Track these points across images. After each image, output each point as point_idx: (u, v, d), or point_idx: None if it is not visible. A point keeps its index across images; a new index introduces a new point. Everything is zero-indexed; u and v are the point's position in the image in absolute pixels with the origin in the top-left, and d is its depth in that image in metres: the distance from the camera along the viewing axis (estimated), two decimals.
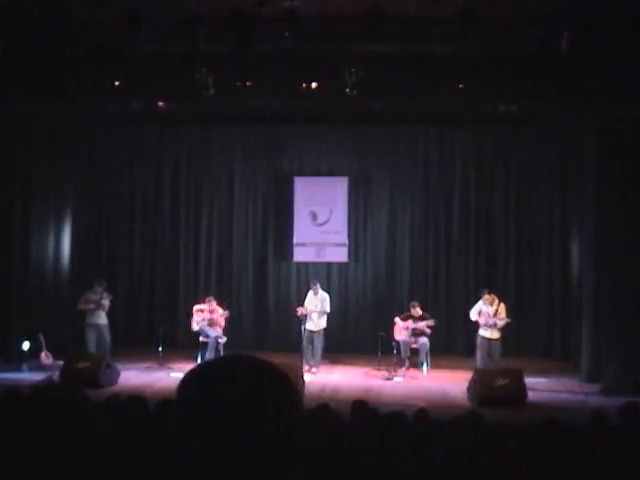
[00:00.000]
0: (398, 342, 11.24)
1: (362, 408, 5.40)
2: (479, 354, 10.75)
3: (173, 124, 13.19)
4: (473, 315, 10.83)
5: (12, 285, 11.68)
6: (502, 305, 10.76)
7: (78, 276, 12.93)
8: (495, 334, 10.66)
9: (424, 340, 11.20)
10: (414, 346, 11.27)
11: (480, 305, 10.81)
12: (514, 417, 7.02)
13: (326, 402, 5.45)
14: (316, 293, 11.55)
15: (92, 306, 11.21)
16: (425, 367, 11.18)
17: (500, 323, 10.62)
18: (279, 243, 13.68)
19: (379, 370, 11.04)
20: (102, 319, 11.29)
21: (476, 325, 10.84)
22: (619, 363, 9.97)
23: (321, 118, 12.60)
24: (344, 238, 13.39)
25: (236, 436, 1.13)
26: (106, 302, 11.30)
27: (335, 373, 11.23)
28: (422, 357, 11.21)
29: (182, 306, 13.12)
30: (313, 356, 11.29)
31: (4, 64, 9.81)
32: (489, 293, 10.85)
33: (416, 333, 11.25)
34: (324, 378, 10.70)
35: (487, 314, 10.66)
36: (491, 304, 10.70)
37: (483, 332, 10.71)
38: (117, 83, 9.75)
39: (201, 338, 11.46)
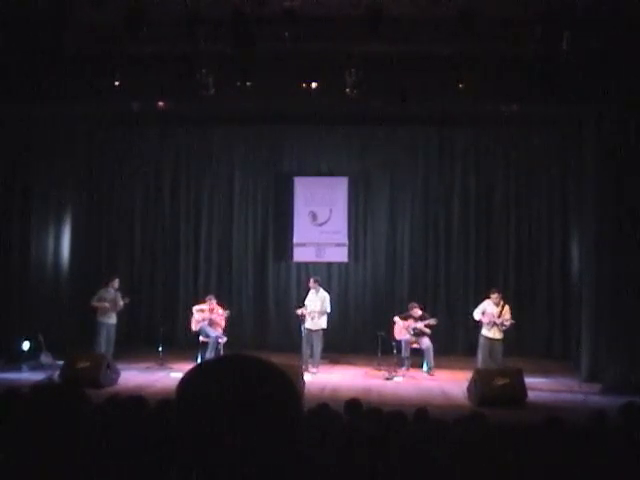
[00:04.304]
0: (399, 342, 11.23)
1: (356, 407, 5.41)
2: (480, 354, 10.74)
3: (173, 124, 13.20)
4: (477, 315, 10.82)
5: (12, 285, 11.68)
6: (507, 307, 10.77)
7: (78, 276, 12.93)
8: (498, 334, 10.66)
9: (428, 343, 11.16)
10: (415, 346, 11.26)
11: (485, 305, 10.80)
12: (514, 417, 7.01)
13: (326, 402, 5.45)
14: (317, 292, 11.55)
15: (107, 305, 11.23)
16: (427, 368, 11.16)
17: (507, 324, 10.63)
18: (279, 243, 13.68)
19: (379, 370, 11.04)
20: (113, 319, 11.34)
21: (478, 325, 10.84)
22: (619, 363, 9.97)
23: (321, 118, 12.60)
24: (344, 238, 13.39)
25: (236, 436, 1.13)
26: (121, 303, 11.34)
27: (335, 373, 11.23)
28: (430, 361, 11.14)
29: (182, 306, 13.12)
30: (312, 356, 11.29)
31: (4, 64, 9.82)
32: (498, 292, 10.85)
33: (417, 333, 11.24)
34: (324, 378, 10.69)
35: (491, 314, 10.66)
36: (497, 305, 10.70)
37: (486, 332, 10.71)
38: (117, 83, 9.75)
39: (201, 338, 11.45)
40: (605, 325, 10.36)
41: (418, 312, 11.38)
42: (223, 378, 1.17)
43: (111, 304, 11.27)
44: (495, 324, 10.61)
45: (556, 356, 12.62)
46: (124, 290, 11.77)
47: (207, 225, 13.83)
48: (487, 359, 10.63)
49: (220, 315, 11.55)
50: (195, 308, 11.69)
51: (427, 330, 11.23)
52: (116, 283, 11.47)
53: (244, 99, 10.36)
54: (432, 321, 11.26)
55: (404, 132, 13.34)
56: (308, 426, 4.14)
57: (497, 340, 10.65)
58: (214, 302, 11.62)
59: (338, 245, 13.39)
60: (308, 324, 11.39)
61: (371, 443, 3.86)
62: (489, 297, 10.86)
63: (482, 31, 8.48)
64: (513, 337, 12.37)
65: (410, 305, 11.52)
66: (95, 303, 11.28)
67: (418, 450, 3.76)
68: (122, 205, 13.82)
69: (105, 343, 11.15)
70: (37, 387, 2.13)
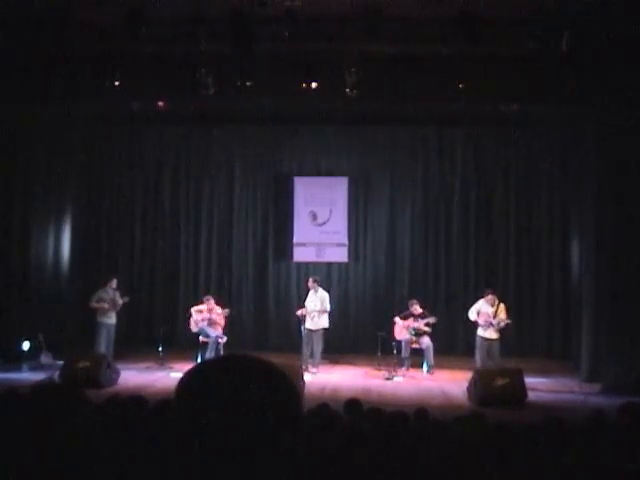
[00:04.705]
0: (399, 342, 11.22)
1: (355, 407, 5.41)
2: (478, 355, 10.75)
3: (173, 124, 13.20)
4: (472, 315, 10.83)
5: (12, 285, 11.67)
6: (502, 306, 10.77)
7: (78, 276, 12.93)
8: (494, 334, 10.67)
9: (427, 342, 11.15)
10: (415, 346, 11.26)
11: (479, 305, 10.81)
12: (514, 417, 7.01)
13: (326, 402, 5.45)
14: (316, 292, 11.55)
15: (106, 305, 11.23)
16: (427, 367, 11.15)
17: (502, 324, 10.64)
18: (279, 243, 13.68)
19: (379, 370, 11.03)
20: (112, 319, 11.35)
21: (475, 325, 10.85)
22: (619, 363, 9.97)
23: (321, 118, 12.60)
24: (344, 238, 13.39)
25: (235, 436, 1.13)
26: (120, 302, 11.35)
27: (335, 373, 11.23)
28: (429, 360, 11.15)
29: (182, 306, 13.11)
30: (312, 356, 11.30)
31: (4, 64, 9.82)
32: (492, 293, 10.85)
33: (418, 333, 11.23)
34: (324, 378, 10.69)
35: (487, 314, 10.67)
36: (492, 305, 10.70)
37: (482, 332, 10.71)
38: (117, 83, 9.75)
39: (201, 338, 11.45)
40: (605, 325, 10.36)
41: (418, 309, 11.37)
42: (223, 378, 1.17)
43: (110, 304, 11.27)
44: (491, 324, 10.61)
45: (556, 356, 12.62)
46: (123, 290, 11.78)
47: (207, 225, 13.82)
48: (485, 359, 10.64)
49: (219, 314, 11.55)
50: (193, 309, 11.68)
51: (427, 329, 11.23)
52: (114, 283, 11.49)
53: (244, 99, 10.36)
54: (432, 319, 11.25)
55: (404, 132, 13.34)
56: (308, 426, 4.14)
57: (493, 340, 10.66)
58: (212, 302, 11.61)
59: (338, 245, 13.39)
60: (308, 324, 11.39)
61: (371, 443, 3.85)
62: (483, 297, 10.87)
63: (482, 31, 8.48)
64: (513, 337, 12.39)
65: (410, 302, 11.51)
66: (94, 304, 11.28)
67: (418, 450, 3.76)
68: (122, 205, 13.82)
69: (105, 343, 11.16)
70: (37, 387, 2.13)
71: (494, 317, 10.64)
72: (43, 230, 12.35)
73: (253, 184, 13.79)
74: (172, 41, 9.22)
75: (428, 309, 11.64)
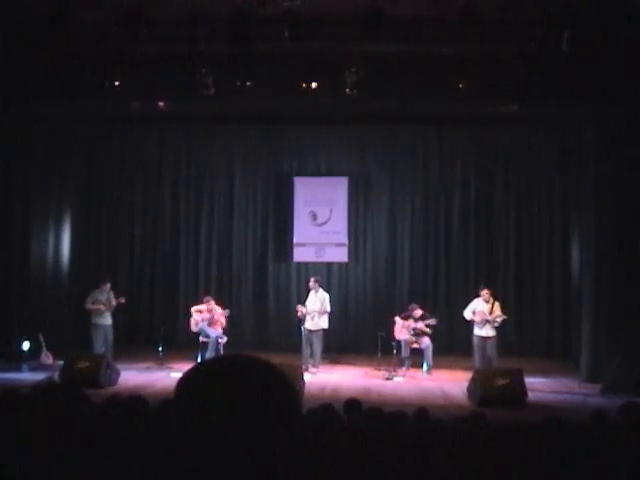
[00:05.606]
0: (399, 341, 11.22)
1: (354, 407, 5.41)
2: (477, 354, 10.75)
3: (173, 124, 13.19)
4: (467, 314, 10.84)
5: (12, 285, 11.67)
6: (497, 303, 10.79)
7: (78, 276, 12.93)
8: (490, 332, 10.67)
9: (427, 342, 11.14)
10: (415, 346, 11.25)
11: (475, 304, 10.82)
12: (514, 417, 7.01)
13: (330, 402, 5.45)
14: (317, 292, 11.55)
15: (102, 307, 11.21)
16: (426, 367, 11.14)
17: (499, 320, 10.64)
18: (279, 243, 13.68)
19: (379, 370, 11.03)
20: (108, 319, 11.31)
21: (470, 324, 10.85)
22: (619, 363, 9.97)
23: (321, 118, 12.59)
24: (344, 238, 13.39)
25: (234, 436, 1.13)
26: (114, 303, 11.33)
27: (335, 373, 11.23)
28: (428, 360, 11.13)
29: (182, 306, 13.10)
30: (312, 356, 11.30)
31: (4, 64, 9.82)
32: (487, 288, 10.86)
33: (417, 333, 11.23)
34: (324, 378, 10.69)
35: (482, 312, 10.68)
36: (487, 302, 10.72)
37: (478, 331, 10.72)
38: (117, 83, 9.75)
39: (201, 338, 11.45)
40: (605, 325, 10.36)
41: (419, 312, 11.36)
42: (222, 378, 1.17)
43: (106, 304, 11.25)
44: (487, 322, 10.62)
45: (556, 356, 12.62)
46: (122, 290, 11.79)
47: (207, 225, 13.82)
48: (483, 359, 10.65)
49: (220, 314, 11.54)
50: (193, 309, 11.68)
51: (428, 330, 11.22)
52: (108, 287, 11.45)
53: (244, 99, 10.36)
54: (432, 321, 11.25)
55: (404, 132, 13.34)
56: (308, 426, 4.14)
57: (490, 338, 10.67)
58: (212, 303, 11.60)
59: (338, 245, 13.39)
60: (308, 324, 11.39)
61: (371, 443, 3.85)
62: (478, 295, 10.88)
63: (482, 31, 8.48)
64: (513, 337, 12.39)
65: (411, 307, 11.49)
66: (90, 305, 11.24)
67: (418, 450, 3.76)
68: (122, 205, 13.82)
69: (104, 344, 11.12)
70: (37, 387, 2.14)
71: (490, 314, 10.66)
72: (43, 230, 12.35)
73: (253, 184, 13.79)
74: (172, 41, 9.22)
75: (428, 310, 11.64)
